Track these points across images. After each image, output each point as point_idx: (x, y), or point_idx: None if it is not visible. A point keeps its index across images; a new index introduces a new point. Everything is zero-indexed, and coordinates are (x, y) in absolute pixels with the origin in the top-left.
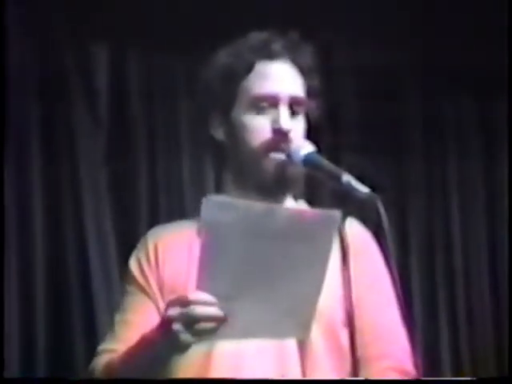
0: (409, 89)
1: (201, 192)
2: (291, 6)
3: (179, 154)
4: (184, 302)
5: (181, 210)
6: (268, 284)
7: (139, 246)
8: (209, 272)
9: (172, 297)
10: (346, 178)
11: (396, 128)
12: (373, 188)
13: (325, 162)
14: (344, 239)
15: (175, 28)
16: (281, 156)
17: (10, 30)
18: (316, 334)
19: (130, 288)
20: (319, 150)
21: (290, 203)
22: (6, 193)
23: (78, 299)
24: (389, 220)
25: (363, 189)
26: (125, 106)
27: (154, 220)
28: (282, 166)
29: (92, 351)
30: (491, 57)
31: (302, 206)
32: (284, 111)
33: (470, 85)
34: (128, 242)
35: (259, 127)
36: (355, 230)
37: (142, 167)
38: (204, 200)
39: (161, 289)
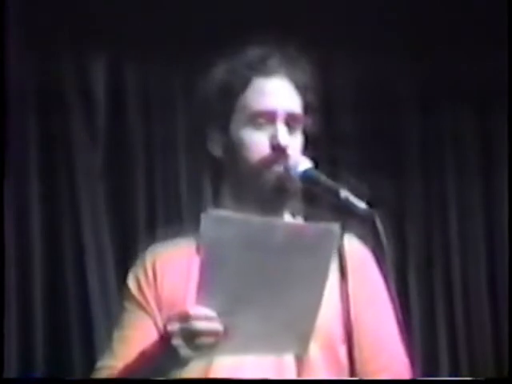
0: (407, 103)
1: (199, 206)
2: (290, 19)
3: (177, 168)
4: (184, 317)
5: (179, 224)
6: (267, 299)
7: (137, 263)
8: (208, 287)
9: (170, 313)
10: (344, 193)
11: (394, 143)
12: (371, 203)
13: (322, 178)
14: (342, 255)
15: (173, 41)
16: (279, 172)
17: (9, 43)
18: (314, 350)
19: (128, 305)
20: (317, 166)
21: (288, 219)
22: (4, 205)
23: (76, 312)
24: (387, 235)
25: (361, 204)
26: (122, 119)
27: (152, 234)
28: (279, 182)
29: (90, 365)
30: (491, 71)
31: (298, 221)
32: (281, 127)
33: (468, 99)
34: (126, 255)
35: (257, 143)
36: (354, 246)
37: (140, 181)
38: (203, 215)
39: (159, 305)
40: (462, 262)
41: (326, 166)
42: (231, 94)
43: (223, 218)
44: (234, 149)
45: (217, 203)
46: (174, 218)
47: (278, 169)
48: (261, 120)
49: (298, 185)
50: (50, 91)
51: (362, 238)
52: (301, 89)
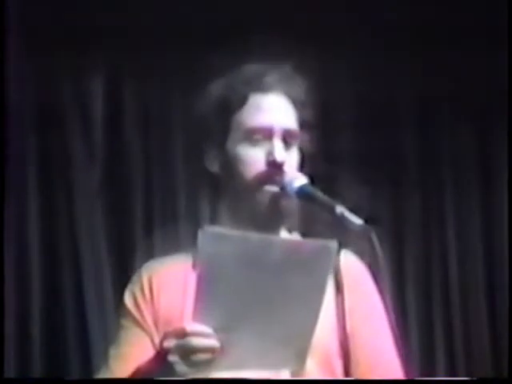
0: (405, 119)
1: (196, 222)
2: (290, 35)
3: (174, 184)
4: (180, 334)
5: (176, 240)
6: (264, 315)
7: (134, 279)
8: (205, 303)
9: (167, 329)
10: (340, 209)
11: (392, 158)
12: (368, 219)
13: (318, 194)
14: (338, 270)
15: (171, 56)
16: (275, 188)
17: (8, 59)
18: (311, 365)
19: (125, 322)
20: (313, 182)
21: (285, 235)
22: (3, 221)
23: (73, 327)
24: (384, 251)
25: (357, 220)
26: (120, 135)
27: (150, 250)
28: (276, 198)
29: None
30: (490, 87)
31: (295, 237)
32: (278, 143)
33: (467, 114)
34: (123, 270)
35: (253, 159)
36: (350, 262)
37: (137, 197)
38: (200, 232)
39: (156, 322)
40: (460, 276)
41: (323, 181)
42: (228, 110)
43: (220, 235)
44: (231, 165)
45: (213, 219)
46: (171, 234)
47: (274, 185)
48: (257, 136)
49: (294, 201)
50: (49, 107)
51: (358, 253)
52: (297, 105)
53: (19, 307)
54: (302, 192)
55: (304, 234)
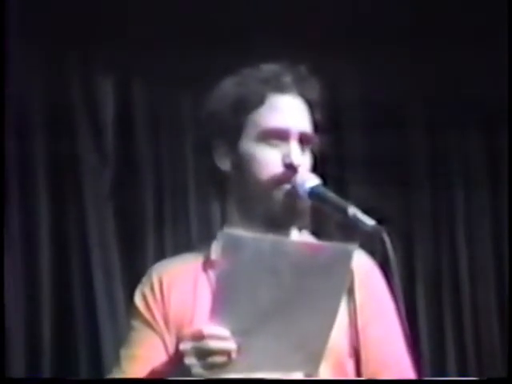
0: (415, 121)
1: (207, 223)
2: (301, 38)
3: (185, 185)
4: (198, 336)
5: (187, 242)
6: (281, 319)
7: (144, 279)
8: (223, 306)
9: (178, 330)
10: (352, 210)
11: (402, 160)
12: (379, 220)
13: (330, 195)
14: (350, 270)
15: (180, 60)
16: (288, 190)
17: (16, 65)
18: (323, 366)
19: (136, 322)
20: (325, 183)
21: (295, 235)
22: (12, 227)
23: (84, 330)
24: (395, 251)
25: (369, 221)
26: (131, 139)
27: (161, 252)
28: (289, 200)
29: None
30: (497, 87)
31: (305, 236)
32: (295, 146)
33: (475, 116)
34: (134, 272)
35: (269, 160)
36: (362, 261)
37: (148, 197)
38: (219, 234)
39: (166, 322)
40: (470, 275)
41: (335, 183)
42: (244, 108)
43: (239, 237)
44: (244, 164)
45: (224, 219)
46: (182, 235)
47: (288, 187)
48: (274, 137)
49: (306, 202)
50: (58, 113)
51: (370, 253)
52: (312, 107)
53: (30, 308)
54: (314, 193)
55: (317, 234)
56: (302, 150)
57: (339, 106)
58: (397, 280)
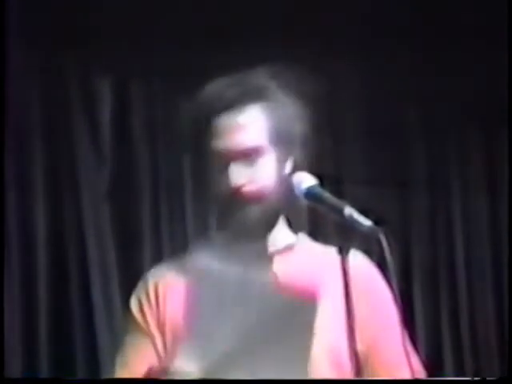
0: (413, 121)
1: (203, 223)
2: (301, 40)
3: (182, 187)
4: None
5: (184, 243)
6: (252, 355)
7: (140, 285)
8: (193, 339)
9: (173, 335)
10: (349, 210)
11: (400, 160)
12: (376, 221)
13: (327, 195)
14: (347, 271)
15: (180, 63)
16: (253, 206)
17: (13, 65)
18: (323, 368)
19: (131, 329)
20: (321, 183)
21: (290, 236)
22: (10, 226)
23: (81, 330)
24: (392, 252)
25: (366, 222)
26: (128, 141)
27: (158, 253)
28: (255, 214)
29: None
30: (497, 88)
31: (302, 239)
32: (234, 168)
33: (474, 116)
34: (131, 273)
35: (219, 184)
36: (358, 262)
37: (145, 198)
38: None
39: (161, 329)
40: (467, 276)
41: (331, 183)
42: (197, 134)
43: (204, 270)
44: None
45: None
46: (179, 237)
47: (252, 206)
48: (218, 161)
49: (303, 202)
50: (56, 112)
51: (367, 254)
52: (273, 115)
53: (26, 309)
54: (309, 193)
55: (313, 234)
56: (251, 164)
57: (336, 106)
58: (394, 280)
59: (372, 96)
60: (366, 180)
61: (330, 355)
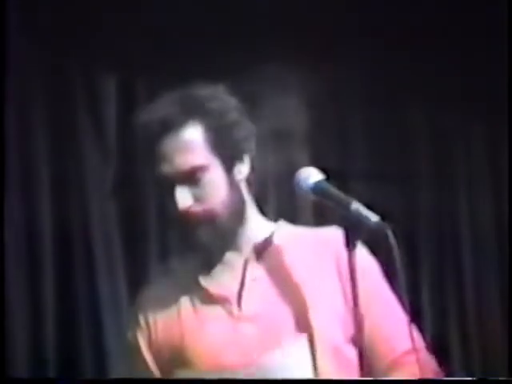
0: (419, 116)
1: None
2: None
3: None
4: None
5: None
6: None
7: (132, 323)
8: None
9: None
10: (355, 205)
11: (406, 155)
12: (383, 216)
13: (333, 190)
14: (353, 263)
15: (184, 60)
16: (208, 226)
17: (18, 63)
18: (321, 354)
19: (136, 365)
20: (328, 178)
21: (267, 226)
22: (16, 223)
23: (87, 328)
24: (399, 247)
25: (372, 216)
26: (133, 136)
27: (164, 248)
28: (215, 232)
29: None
30: (502, 86)
31: (282, 226)
32: (179, 191)
33: (479, 111)
34: (137, 270)
35: (172, 209)
36: (359, 255)
37: (151, 195)
38: None
39: (156, 351)
40: (474, 272)
41: (338, 178)
42: (141, 160)
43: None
44: None
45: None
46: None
47: (205, 222)
48: (164, 187)
49: (310, 197)
50: (61, 110)
51: (374, 248)
52: (212, 128)
53: (33, 308)
54: (317, 188)
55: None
56: (196, 184)
57: (342, 103)
58: (401, 275)
59: (377, 92)
60: (371, 175)
61: (326, 342)
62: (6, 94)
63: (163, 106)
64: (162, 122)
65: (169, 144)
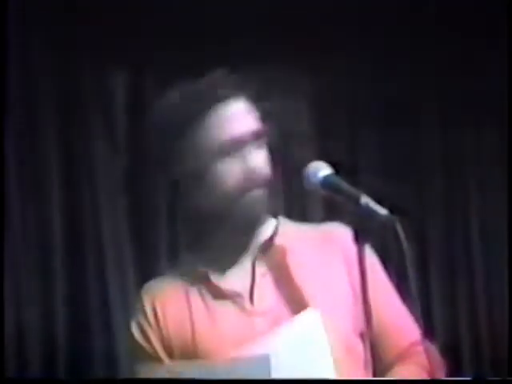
0: (429, 112)
1: None
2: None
3: None
4: None
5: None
6: None
7: (137, 308)
8: None
9: (181, 349)
10: (365, 199)
11: (415, 150)
12: (392, 210)
13: (343, 184)
14: (362, 258)
15: (194, 55)
16: (259, 192)
17: (29, 54)
18: (336, 349)
19: (140, 356)
20: (337, 172)
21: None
22: (26, 215)
23: (97, 326)
24: (408, 241)
25: (382, 211)
26: (143, 133)
27: (173, 243)
28: (262, 199)
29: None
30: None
31: (282, 221)
32: (250, 152)
33: (487, 112)
34: (147, 266)
35: (230, 172)
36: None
37: (161, 189)
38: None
39: (167, 347)
40: (484, 265)
41: (347, 172)
42: (190, 126)
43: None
44: (197, 183)
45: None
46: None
47: (252, 193)
48: (229, 148)
49: (319, 191)
50: (71, 105)
51: (383, 243)
52: (255, 101)
53: (42, 301)
54: (326, 182)
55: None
56: (257, 148)
57: (353, 98)
58: (410, 269)
59: (389, 92)
60: (381, 169)
61: (339, 336)
62: (15, 94)
63: (212, 78)
64: (217, 90)
65: (230, 109)
